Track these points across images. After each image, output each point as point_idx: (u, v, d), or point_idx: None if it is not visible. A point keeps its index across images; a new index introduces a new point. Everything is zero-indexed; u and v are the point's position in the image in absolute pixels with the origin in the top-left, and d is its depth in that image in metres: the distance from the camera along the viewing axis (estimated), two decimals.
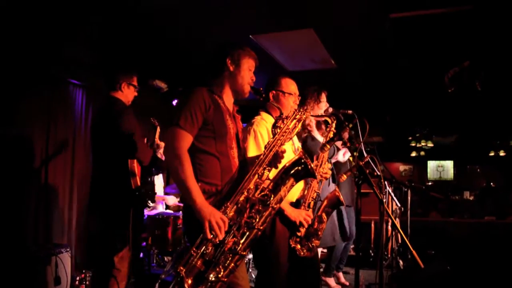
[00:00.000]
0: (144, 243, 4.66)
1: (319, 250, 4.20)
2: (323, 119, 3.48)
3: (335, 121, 2.91)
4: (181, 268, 1.85)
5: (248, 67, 2.26)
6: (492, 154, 11.06)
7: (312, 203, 2.75)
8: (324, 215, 2.83)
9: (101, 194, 3.12)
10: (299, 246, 2.63)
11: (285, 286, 2.55)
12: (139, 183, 3.06)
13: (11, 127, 4.03)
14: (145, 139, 3.39)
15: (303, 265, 2.70)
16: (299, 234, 2.63)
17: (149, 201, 3.32)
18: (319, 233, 2.75)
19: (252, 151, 2.56)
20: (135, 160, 3.06)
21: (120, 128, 3.02)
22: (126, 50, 4.95)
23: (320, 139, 3.54)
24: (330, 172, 3.00)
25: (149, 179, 3.26)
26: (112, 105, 3.18)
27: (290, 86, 2.80)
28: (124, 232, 3.01)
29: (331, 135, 2.87)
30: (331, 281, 4.62)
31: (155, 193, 3.40)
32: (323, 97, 3.52)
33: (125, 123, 3.04)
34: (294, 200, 2.72)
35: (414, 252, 2.38)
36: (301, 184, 2.74)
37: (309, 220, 2.65)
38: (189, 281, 1.83)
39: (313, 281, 2.85)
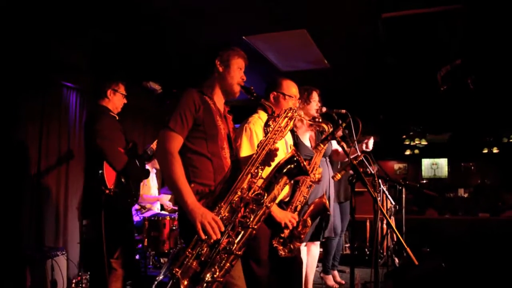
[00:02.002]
0: (140, 245, 4.66)
1: (317, 250, 4.22)
2: (321, 126, 3.47)
3: (331, 129, 2.93)
4: (177, 269, 1.85)
5: (238, 67, 2.28)
6: (485, 151, 11.12)
7: (299, 206, 2.77)
8: (309, 220, 2.85)
9: (87, 199, 3.22)
10: (281, 247, 2.65)
11: (267, 284, 2.55)
12: (110, 186, 3.08)
13: (4, 130, 4.01)
14: (131, 144, 3.40)
15: (285, 264, 2.73)
16: (282, 235, 2.65)
17: (126, 207, 3.33)
18: (302, 236, 2.77)
19: (245, 150, 2.57)
20: (105, 165, 3.10)
21: (95, 133, 3.09)
22: (120, 53, 4.95)
23: (306, 140, 3.52)
24: (320, 176, 3.01)
25: (127, 184, 3.26)
26: (95, 113, 3.28)
27: (291, 88, 2.82)
28: (101, 237, 3.05)
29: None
30: (329, 279, 4.64)
31: (135, 199, 3.40)
32: (314, 97, 3.47)
33: (99, 127, 3.10)
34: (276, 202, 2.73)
35: (408, 249, 2.40)
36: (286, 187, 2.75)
37: (294, 222, 2.66)
38: (185, 282, 1.83)
39: (295, 279, 2.88)
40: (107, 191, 3.04)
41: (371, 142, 3.64)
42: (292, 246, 2.70)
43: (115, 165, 3.11)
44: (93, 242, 3.13)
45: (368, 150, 3.59)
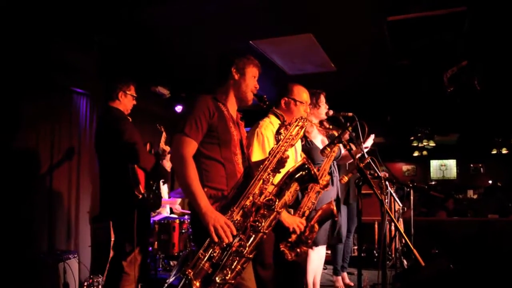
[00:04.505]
0: (150, 248, 4.71)
1: (323, 251, 4.25)
2: (331, 132, 3.51)
3: (338, 145, 2.96)
4: (189, 270, 1.89)
5: (252, 75, 2.33)
6: (494, 152, 11.05)
7: (307, 212, 2.80)
8: (316, 225, 2.88)
9: (108, 201, 3.19)
10: (287, 251, 2.68)
11: (272, 286, 2.58)
12: (143, 190, 3.13)
13: (16, 135, 4.09)
14: (148, 144, 3.45)
15: (288, 267, 2.75)
16: (290, 239, 2.68)
17: (154, 209, 3.38)
18: (309, 241, 2.81)
19: (256, 154, 2.61)
20: (136, 167, 3.13)
21: (121, 136, 3.07)
22: (129, 58, 5.02)
23: (318, 143, 3.57)
24: (328, 183, 3.04)
25: (154, 187, 3.31)
26: (109, 114, 3.25)
27: (302, 94, 2.86)
28: (131, 238, 3.07)
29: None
30: (338, 280, 4.66)
31: (161, 201, 3.45)
32: (322, 100, 3.53)
33: (125, 131, 3.09)
34: None
35: (415, 251, 2.42)
36: None
37: (301, 227, 2.69)
38: (197, 283, 1.88)
39: (298, 282, 2.90)
40: (140, 196, 3.07)
41: (370, 140, 3.70)
42: (299, 250, 2.74)
43: (146, 166, 3.13)
44: (110, 245, 3.15)
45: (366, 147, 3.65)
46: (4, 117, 3.97)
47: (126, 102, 3.34)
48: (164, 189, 5.42)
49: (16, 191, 3.99)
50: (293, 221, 2.64)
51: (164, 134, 3.66)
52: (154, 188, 3.29)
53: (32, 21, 3.94)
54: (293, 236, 2.68)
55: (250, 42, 4.63)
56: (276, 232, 2.63)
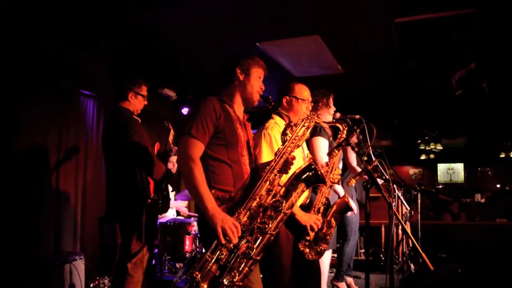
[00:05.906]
0: (156, 250, 4.71)
1: (329, 255, 4.22)
2: (335, 126, 3.51)
3: (346, 128, 2.94)
4: (197, 273, 1.88)
5: (258, 76, 2.32)
6: (502, 155, 10.95)
7: (321, 208, 2.78)
8: (333, 220, 2.86)
9: (115, 203, 3.18)
10: (307, 250, 2.66)
11: None
12: (152, 194, 3.12)
13: (24, 137, 4.11)
14: (158, 144, 3.44)
15: (304, 269, 2.74)
16: (308, 238, 2.66)
17: (162, 212, 3.38)
18: (328, 237, 2.78)
19: (265, 155, 2.60)
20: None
21: (128, 139, 3.04)
22: (136, 60, 5.03)
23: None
24: (339, 177, 3.03)
25: (164, 191, 3.30)
26: (119, 115, 3.22)
27: (303, 92, 2.85)
28: (137, 240, 3.06)
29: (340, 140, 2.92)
30: (342, 285, 4.61)
31: (169, 204, 3.45)
32: (331, 101, 3.57)
33: (133, 134, 3.06)
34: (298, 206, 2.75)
35: (423, 254, 2.39)
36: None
37: (319, 224, 2.68)
38: (205, 286, 1.87)
39: (314, 284, 2.88)
40: (149, 201, 3.06)
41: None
42: (319, 249, 2.72)
43: (157, 176, 3.12)
44: (116, 247, 3.15)
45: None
46: (12, 119, 4.00)
47: (136, 102, 3.32)
48: (170, 191, 5.42)
49: (23, 192, 4.01)
50: (309, 219, 2.63)
51: (172, 132, 3.63)
52: (163, 190, 3.28)
53: (41, 24, 3.96)
54: (311, 234, 2.66)
55: (257, 44, 4.62)
56: (294, 233, 2.62)
